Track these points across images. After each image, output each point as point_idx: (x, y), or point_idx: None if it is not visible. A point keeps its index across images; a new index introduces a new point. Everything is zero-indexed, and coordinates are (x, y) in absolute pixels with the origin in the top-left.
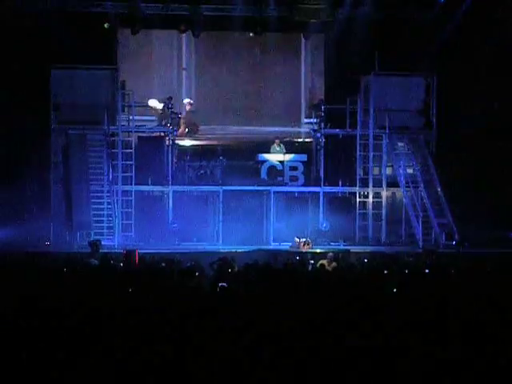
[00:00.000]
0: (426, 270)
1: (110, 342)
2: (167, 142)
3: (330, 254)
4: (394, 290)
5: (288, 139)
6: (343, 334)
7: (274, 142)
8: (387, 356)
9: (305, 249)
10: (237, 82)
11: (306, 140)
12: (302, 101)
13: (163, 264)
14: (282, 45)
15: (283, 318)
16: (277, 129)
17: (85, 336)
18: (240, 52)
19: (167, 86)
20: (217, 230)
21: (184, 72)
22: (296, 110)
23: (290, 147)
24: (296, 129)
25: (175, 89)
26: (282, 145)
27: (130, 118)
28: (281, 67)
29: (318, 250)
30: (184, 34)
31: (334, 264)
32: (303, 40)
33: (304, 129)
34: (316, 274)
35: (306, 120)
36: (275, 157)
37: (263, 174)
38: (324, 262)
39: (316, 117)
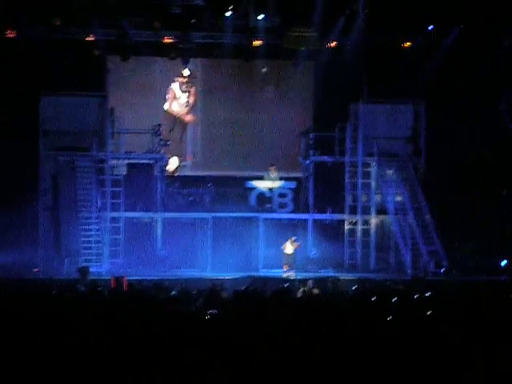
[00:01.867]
0: (415, 296)
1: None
2: (156, 169)
3: (310, 281)
4: (388, 318)
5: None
6: (332, 359)
7: (268, 169)
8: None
9: (293, 247)
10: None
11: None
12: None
13: (152, 291)
14: (271, 72)
15: (273, 344)
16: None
17: (74, 361)
18: (230, 80)
19: (155, 113)
20: (206, 257)
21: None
22: (290, 146)
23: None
24: (293, 174)
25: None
26: (276, 172)
27: (119, 144)
28: (272, 95)
29: (308, 277)
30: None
31: (315, 291)
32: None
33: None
34: (305, 301)
35: (301, 159)
36: (264, 184)
37: (252, 201)
38: (304, 289)
39: (305, 144)
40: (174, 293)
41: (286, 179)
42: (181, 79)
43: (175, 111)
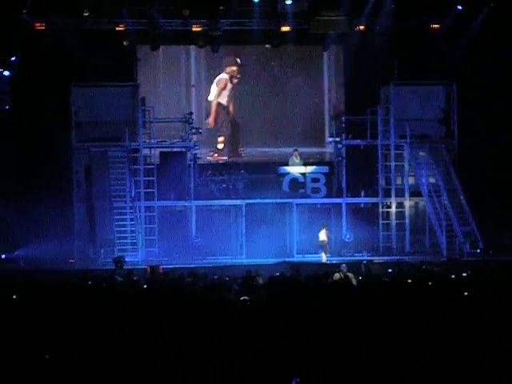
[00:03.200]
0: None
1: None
2: (189, 157)
3: (343, 264)
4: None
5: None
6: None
7: (292, 155)
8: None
9: (326, 234)
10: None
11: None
12: (326, 117)
13: (188, 279)
14: (301, 57)
15: (306, 330)
16: (300, 149)
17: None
18: (259, 66)
19: (186, 101)
20: (240, 244)
21: (193, 89)
22: (320, 128)
23: (311, 159)
24: (320, 149)
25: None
26: (299, 156)
27: (151, 133)
28: (302, 80)
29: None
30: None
31: (350, 275)
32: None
33: (329, 149)
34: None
35: (331, 139)
36: (297, 169)
37: (285, 187)
38: (338, 274)
39: (337, 128)
40: (210, 280)
41: (318, 164)
42: (232, 68)
43: (223, 101)
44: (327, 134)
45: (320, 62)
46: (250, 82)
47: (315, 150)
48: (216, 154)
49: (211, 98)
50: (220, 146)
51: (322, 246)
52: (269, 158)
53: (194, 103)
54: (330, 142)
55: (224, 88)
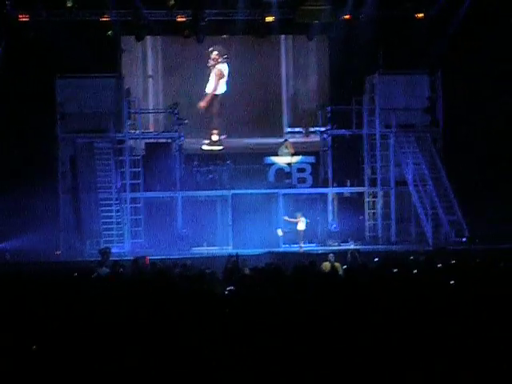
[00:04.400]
0: (439, 265)
1: (123, 350)
2: (175, 148)
3: (331, 254)
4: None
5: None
6: (356, 335)
7: (282, 144)
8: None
9: (303, 223)
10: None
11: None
12: (311, 106)
13: (176, 269)
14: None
15: (293, 321)
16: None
17: (98, 344)
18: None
19: (171, 92)
20: (227, 234)
21: (151, 79)
22: (305, 117)
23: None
24: (307, 139)
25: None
26: (290, 146)
27: (136, 124)
28: (286, 70)
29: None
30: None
31: (337, 265)
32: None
33: (315, 139)
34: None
35: (316, 128)
36: (282, 159)
37: (271, 177)
38: (326, 263)
39: (322, 118)
40: (197, 270)
41: (304, 154)
42: (214, 57)
43: (219, 90)
44: (313, 123)
45: (305, 52)
46: (235, 73)
47: (301, 139)
48: (210, 146)
49: (208, 90)
50: (214, 137)
51: (298, 236)
52: (254, 148)
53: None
54: (316, 132)
55: (221, 77)
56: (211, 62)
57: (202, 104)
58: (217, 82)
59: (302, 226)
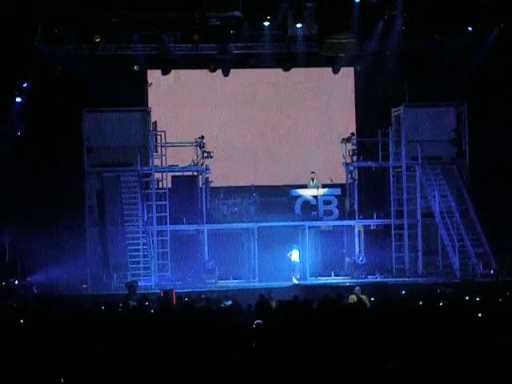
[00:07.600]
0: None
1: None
2: (201, 181)
3: (357, 287)
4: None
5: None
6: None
7: (310, 177)
8: None
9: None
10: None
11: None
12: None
13: (201, 303)
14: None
15: (320, 353)
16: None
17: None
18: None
19: (197, 125)
20: (253, 267)
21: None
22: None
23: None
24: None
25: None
26: (315, 180)
27: (163, 158)
28: (312, 103)
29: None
30: (214, 73)
31: (364, 297)
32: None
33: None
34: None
35: (343, 161)
36: (308, 192)
37: (297, 210)
38: (353, 296)
39: (348, 150)
40: (223, 304)
41: (330, 186)
42: None
43: None
44: (339, 156)
45: (330, 85)
46: (259, 105)
47: (328, 172)
48: None
49: None
50: None
51: (294, 268)
52: (281, 181)
53: (205, 127)
54: (342, 165)
55: None
56: None
57: None
58: None
59: (296, 257)
